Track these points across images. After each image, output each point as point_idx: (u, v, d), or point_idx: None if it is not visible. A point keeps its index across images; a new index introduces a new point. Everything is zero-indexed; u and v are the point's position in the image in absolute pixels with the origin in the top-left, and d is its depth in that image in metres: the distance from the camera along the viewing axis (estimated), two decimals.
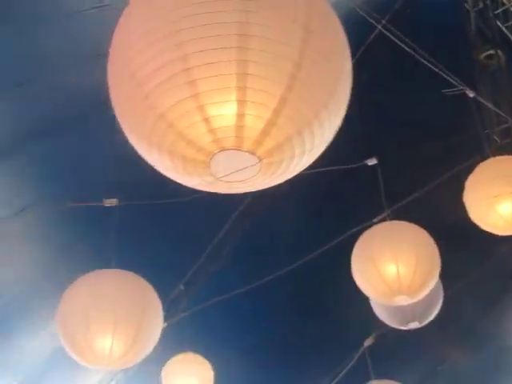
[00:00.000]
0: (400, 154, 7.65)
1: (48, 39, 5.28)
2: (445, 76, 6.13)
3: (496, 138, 7.97)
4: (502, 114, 7.84)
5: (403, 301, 5.93)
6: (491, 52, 8.28)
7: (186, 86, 2.54)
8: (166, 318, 8.37)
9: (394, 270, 5.73)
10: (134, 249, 7.61)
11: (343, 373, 8.71)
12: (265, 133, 2.63)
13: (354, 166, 6.71)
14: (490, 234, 6.44)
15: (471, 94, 6.74)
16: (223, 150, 2.65)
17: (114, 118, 2.86)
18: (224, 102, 2.56)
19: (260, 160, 2.70)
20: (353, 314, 8.28)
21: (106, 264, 5.82)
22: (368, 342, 8.32)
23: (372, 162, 6.74)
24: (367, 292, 6.09)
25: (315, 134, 2.79)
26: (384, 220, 6.76)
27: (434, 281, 6.03)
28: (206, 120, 2.59)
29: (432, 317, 7.08)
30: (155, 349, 8.59)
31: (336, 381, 8.86)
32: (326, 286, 8.61)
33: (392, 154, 7.46)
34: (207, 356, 8.03)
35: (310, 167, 7.05)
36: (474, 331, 10.42)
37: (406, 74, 7.00)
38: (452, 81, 6.31)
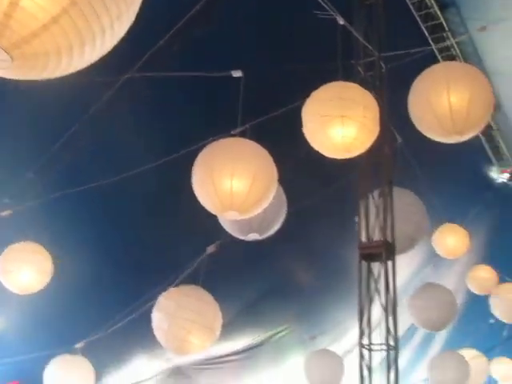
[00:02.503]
0: (266, 72, 7.69)
1: None
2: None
3: (360, 69, 8.17)
4: (370, 47, 8.03)
5: (234, 216, 6.09)
6: None
7: None
8: (11, 206, 8.22)
9: (228, 186, 5.86)
10: None
11: (184, 275, 8.88)
12: (29, 38, 2.58)
13: (219, 74, 6.70)
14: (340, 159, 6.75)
15: (341, 22, 6.87)
16: None
17: None
18: None
19: (12, 60, 2.66)
20: (203, 220, 8.38)
21: None
22: (211, 249, 8.44)
23: (237, 73, 6.76)
24: (203, 202, 6.18)
25: (76, 54, 2.77)
26: (243, 133, 6.86)
27: (267, 200, 6.19)
28: None
29: (272, 231, 7.32)
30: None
31: (177, 282, 9.02)
32: (181, 190, 8.66)
33: (258, 71, 7.49)
34: (51, 246, 7.98)
35: (176, 70, 6.99)
36: (318, 251, 10.92)
37: None
38: (324, 5, 6.39)
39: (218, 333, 7.74)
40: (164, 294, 7.80)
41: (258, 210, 6.22)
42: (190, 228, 8.68)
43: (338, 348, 12.79)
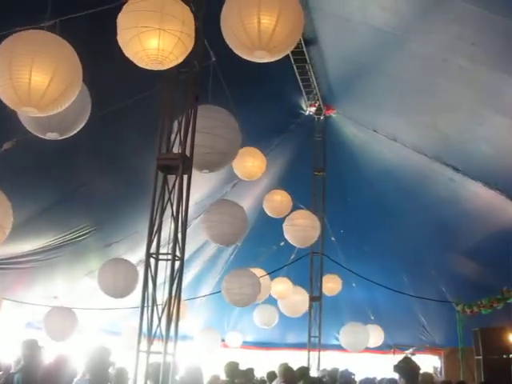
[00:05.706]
0: None
1: None
2: None
3: None
4: None
5: (31, 112, 5.93)
6: None
7: None
8: None
9: (26, 80, 5.62)
10: None
11: None
12: None
13: None
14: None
15: None
16: None
17: None
18: None
19: None
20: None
21: None
22: (7, 146, 8.21)
23: None
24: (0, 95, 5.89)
25: None
26: (53, 27, 6.55)
27: (69, 99, 6.03)
28: None
29: (73, 131, 7.13)
30: None
31: None
32: None
33: None
34: None
35: None
36: (120, 158, 10.80)
37: None
38: None
39: (7, 231, 7.49)
40: None
41: (58, 109, 6.02)
42: None
43: (132, 257, 12.97)
